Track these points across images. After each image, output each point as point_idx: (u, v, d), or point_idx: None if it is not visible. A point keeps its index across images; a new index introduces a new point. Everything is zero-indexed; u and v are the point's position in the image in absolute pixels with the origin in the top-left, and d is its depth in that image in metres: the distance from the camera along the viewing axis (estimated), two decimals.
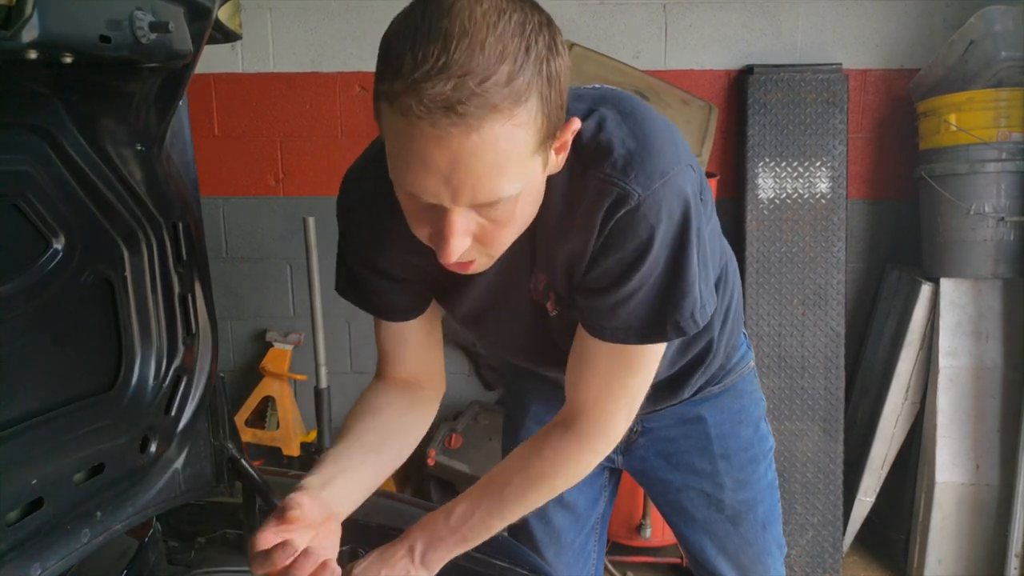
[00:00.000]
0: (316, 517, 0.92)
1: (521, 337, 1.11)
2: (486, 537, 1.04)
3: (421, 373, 1.15)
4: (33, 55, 0.61)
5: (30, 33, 0.56)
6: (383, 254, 1.03)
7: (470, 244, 0.81)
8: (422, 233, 0.83)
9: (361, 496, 1.04)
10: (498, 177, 0.73)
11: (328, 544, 0.95)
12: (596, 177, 0.86)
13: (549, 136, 0.77)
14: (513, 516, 1.04)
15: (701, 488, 1.32)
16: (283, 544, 0.86)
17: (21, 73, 0.70)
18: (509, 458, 1.07)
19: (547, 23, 0.75)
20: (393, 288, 1.07)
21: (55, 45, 0.61)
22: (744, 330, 1.36)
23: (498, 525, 1.04)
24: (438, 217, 0.78)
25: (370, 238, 1.03)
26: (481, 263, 0.87)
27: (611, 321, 0.94)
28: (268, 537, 0.88)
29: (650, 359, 1.00)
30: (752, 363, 1.36)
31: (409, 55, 0.69)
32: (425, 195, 0.75)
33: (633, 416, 1.04)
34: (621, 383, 1.00)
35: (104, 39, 0.66)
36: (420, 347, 1.14)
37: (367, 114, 2.87)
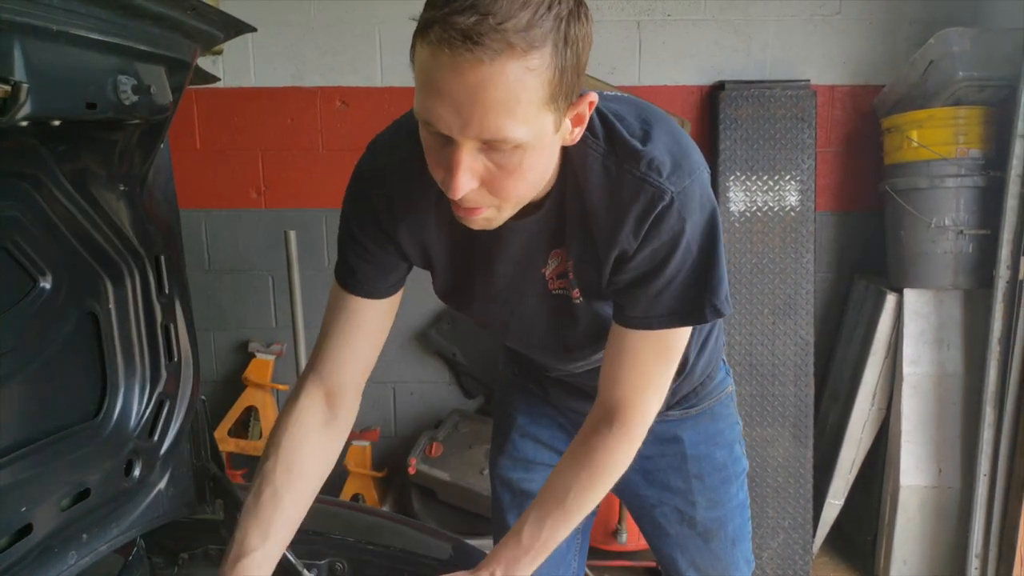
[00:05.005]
0: None
1: (541, 329, 1.16)
2: (556, 544, 1.10)
3: (348, 382, 1.13)
4: (24, 124, 0.66)
5: (22, 112, 0.62)
6: (403, 223, 1.05)
7: (477, 186, 0.86)
8: (438, 174, 0.88)
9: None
10: (506, 116, 0.79)
11: None
12: (632, 174, 0.93)
13: (561, 94, 0.82)
14: (578, 520, 1.10)
15: (675, 505, 1.38)
16: None
17: (11, 132, 0.75)
18: (560, 469, 1.11)
19: None
20: (385, 261, 1.09)
21: (45, 117, 0.66)
22: (724, 357, 1.42)
23: (565, 532, 1.09)
24: (449, 153, 0.84)
25: (393, 202, 1.05)
26: (490, 215, 0.91)
27: (655, 310, 1.00)
28: None
29: (683, 341, 1.07)
30: (730, 388, 1.42)
31: None
32: (439, 124, 0.81)
33: (664, 398, 1.10)
34: (659, 370, 1.07)
35: (90, 106, 0.71)
36: (364, 345, 1.13)
37: (348, 128, 2.92)
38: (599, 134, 0.95)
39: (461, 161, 0.83)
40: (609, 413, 1.07)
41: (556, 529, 1.09)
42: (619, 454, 1.09)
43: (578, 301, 1.08)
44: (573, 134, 0.90)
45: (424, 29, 0.78)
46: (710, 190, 0.97)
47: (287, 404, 1.12)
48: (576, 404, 1.36)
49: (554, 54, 0.79)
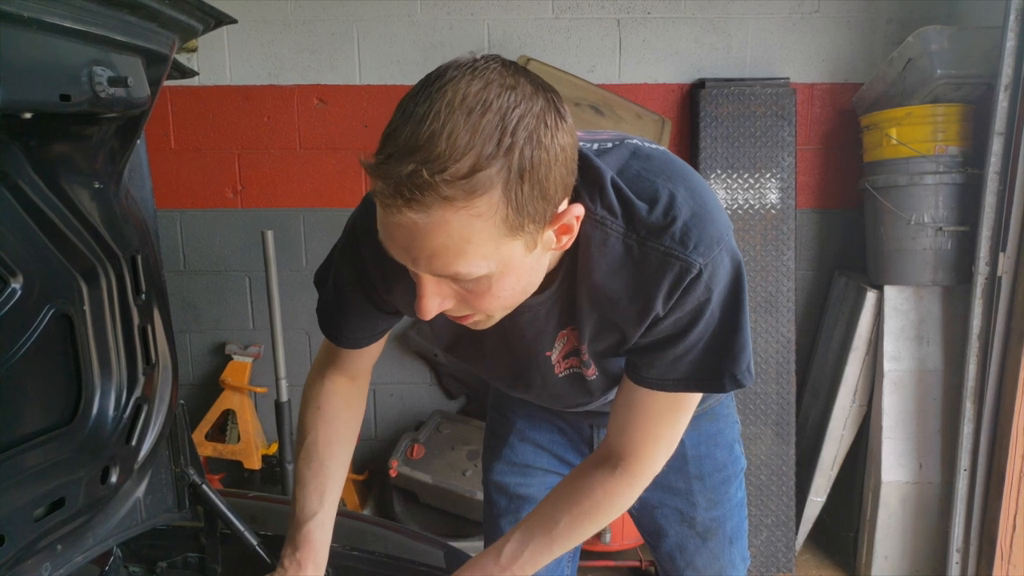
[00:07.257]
0: None
1: (552, 394, 1.15)
2: (536, 570, 1.09)
3: (363, 365, 1.21)
4: None
5: None
6: (399, 283, 1.01)
7: (454, 303, 0.83)
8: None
9: None
10: (454, 258, 0.74)
11: None
12: (656, 250, 0.87)
13: (526, 222, 0.76)
14: (562, 551, 1.09)
15: (675, 506, 1.37)
16: None
17: None
18: (554, 497, 1.10)
19: (541, 111, 0.74)
20: (375, 318, 1.10)
21: (16, 108, 0.63)
22: None
23: (546, 561, 1.09)
24: (415, 278, 0.81)
25: (386, 261, 0.92)
26: (479, 319, 0.89)
27: (671, 374, 0.97)
28: None
29: (697, 398, 1.04)
30: None
31: (391, 132, 0.72)
32: (394, 257, 0.79)
33: (674, 449, 1.08)
34: (671, 426, 1.05)
35: (64, 97, 0.68)
36: (370, 351, 1.18)
37: (325, 127, 2.88)
38: (616, 212, 0.88)
39: (425, 290, 0.81)
40: (615, 456, 1.06)
41: (537, 554, 1.08)
42: (619, 497, 1.08)
43: (593, 378, 1.07)
44: (561, 243, 0.85)
45: (369, 172, 0.72)
46: (737, 251, 0.92)
47: (312, 387, 1.19)
48: (580, 413, 1.34)
49: (504, 194, 0.72)
